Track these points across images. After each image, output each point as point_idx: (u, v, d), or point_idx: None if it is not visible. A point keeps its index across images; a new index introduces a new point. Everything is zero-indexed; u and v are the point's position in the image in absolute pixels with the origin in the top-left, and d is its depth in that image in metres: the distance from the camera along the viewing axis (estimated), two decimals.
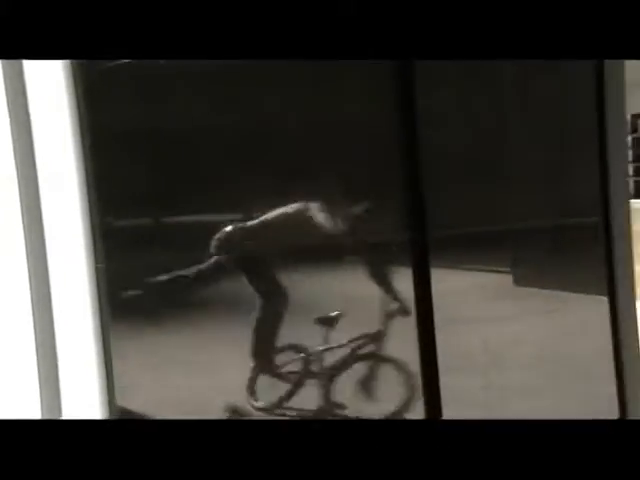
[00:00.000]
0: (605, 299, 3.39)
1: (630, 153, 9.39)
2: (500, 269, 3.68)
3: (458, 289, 3.52)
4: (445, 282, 3.37)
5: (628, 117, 9.10)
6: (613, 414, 3.33)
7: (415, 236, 3.08)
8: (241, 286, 3.17)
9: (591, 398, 3.36)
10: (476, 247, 3.50)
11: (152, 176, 2.86)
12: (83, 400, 2.63)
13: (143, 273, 2.88)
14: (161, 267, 2.90)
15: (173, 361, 2.92)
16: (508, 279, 3.69)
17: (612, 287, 3.35)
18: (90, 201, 2.59)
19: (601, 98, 3.19)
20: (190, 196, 2.94)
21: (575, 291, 3.61)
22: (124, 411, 2.71)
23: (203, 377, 2.97)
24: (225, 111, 2.98)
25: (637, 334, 3.39)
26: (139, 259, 2.85)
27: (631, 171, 9.44)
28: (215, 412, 2.96)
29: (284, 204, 3.17)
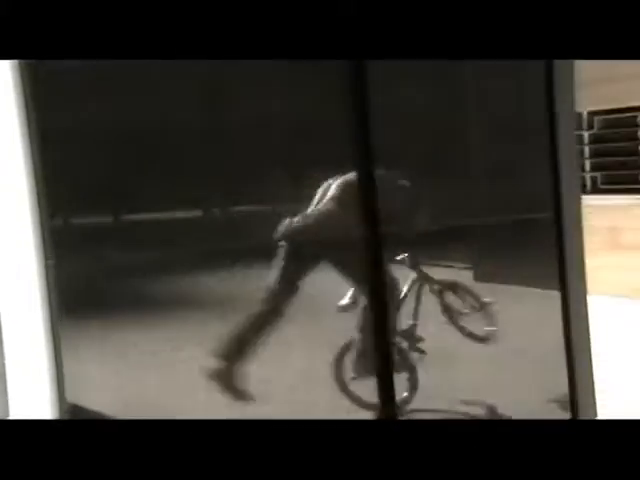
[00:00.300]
0: (558, 294, 3.43)
1: (587, 149, 9.50)
2: (461, 265, 3.70)
3: None
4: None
5: (585, 114, 9.21)
6: (565, 408, 3.37)
7: (371, 233, 3.09)
8: (193, 282, 3.16)
9: (543, 393, 3.40)
10: (436, 243, 3.53)
11: (103, 174, 2.84)
12: (32, 398, 2.61)
13: (94, 270, 2.86)
14: (113, 264, 2.89)
15: (125, 357, 2.91)
16: (469, 275, 3.72)
17: (564, 282, 3.39)
18: (39, 199, 2.57)
19: (551, 96, 3.23)
20: (142, 193, 2.93)
21: (532, 286, 3.65)
22: (75, 408, 2.69)
23: (156, 374, 2.96)
24: (179, 109, 2.97)
25: (588, 329, 3.43)
26: (90, 256, 2.84)
27: (588, 167, 9.55)
28: (168, 409, 2.95)
29: (239, 202, 3.17)
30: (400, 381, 3.29)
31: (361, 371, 3.36)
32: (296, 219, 3.28)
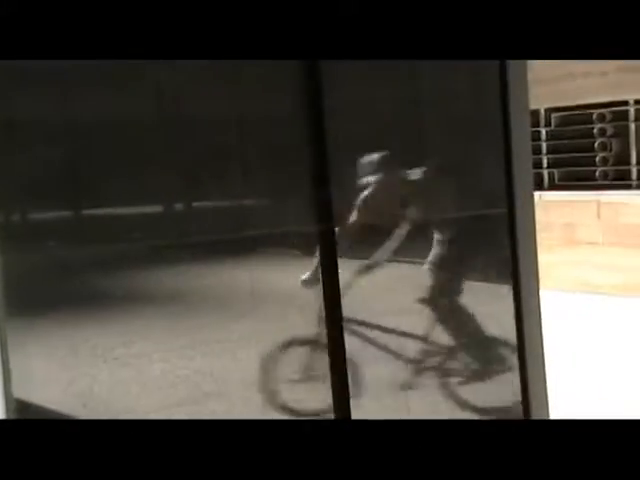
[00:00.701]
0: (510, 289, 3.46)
1: (545, 146, 9.60)
2: (415, 260, 3.72)
3: (371, 280, 3.56)
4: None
5: (542, 111, 9.31)
6: (516, 404, 3.41)
7: (323, 228, 3.11)
8: (146, 277, 3.15)
9: (494, 388, 3.43)
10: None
11: (59, 167, 2.82)
12: None
13: (45, 265, 2.84)
14: (64, 259, 2.87)
15: (76, 353, 2.88)
16: (424, 270, 3.74)
17: (516, 278, 3.42)
18: None
19: (505, 94, 3.26)
20: (96, 188, 2.91)
21: (486, 281, 3.68)
22: (23, 404, 2.67)
23: (107, 369, 2.94)
24: (138, 103, 2.95)
25: (540, 325, 3.46)
26: (41, 251, 2.81)
27: (546, 163, 9.65)
28: (119, 405, 2.93)
29: (193, 197, 3.16)
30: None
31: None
32: None
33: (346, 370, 3.17)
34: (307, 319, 3.27)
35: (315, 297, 3.19)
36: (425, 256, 3.62)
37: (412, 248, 3.54)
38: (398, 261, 3.51)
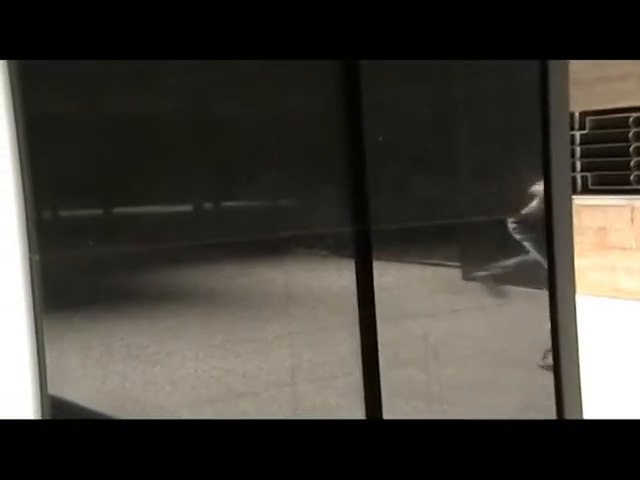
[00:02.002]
0: (546, 293, 3.43)
1: (578, 150, 9.51)
2: (450, 264, 3.70)
3: (404, 283, 3.54)
4: (391, 275, 3.40)
5: (577, 114, 9.22)
6: (550, 409, 3.38)
7: (359, 229, 3.10)
8: (180, 276, 3.15)
9: (529, 393, 3.40)
10: (424, 242, 3.53)
11: (92, 166, 2.82)
12: (15, 391, 2.60)
13: (80, 263, 2.84)
14: (99, 257, 2.87)
15: (110, 351, 2.88)
16: (458, 273, 3.72)
17: (553, 282, 3.39)
18: (25, 192, 2.54)
19: (545, 95, 3.23)
20: (131, 187, 2.91)
21: (521, 285, 3.65)
22: (58, 401, 2.67)
23: (141, 367, 2.94)
24: (170, 102, 2.95)
25: (576, 329, 3.43)
26: (77, 249, 2.81)
27: (579, 167, 9.57)
28: (152, 403, 2.93)
29: (228, 197, 3.15)
30: None
31: None
32: None
33: (378, 372, 3.15)
34: (341, 320, 3.27)
35: (350, 298, 3.18)
36: None
37: None
38: None
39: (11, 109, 2.48)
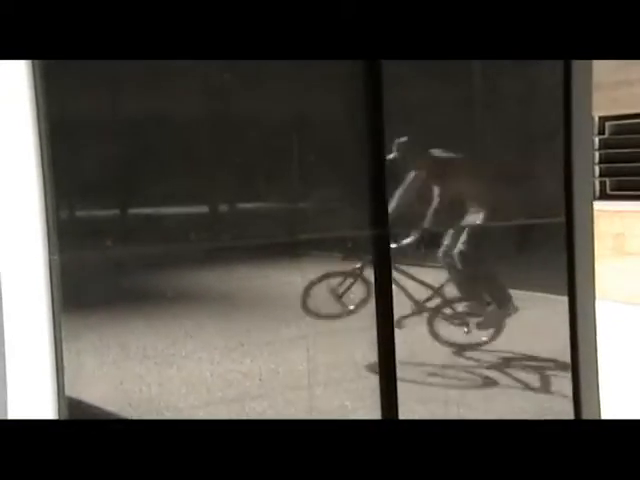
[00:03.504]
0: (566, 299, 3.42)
1: (597, 155, 9.46)
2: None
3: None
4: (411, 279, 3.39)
5: (596, 119, 9.17)
6: (568, 414, 3.36)
7: (378, 232, 3.10)
8: (197, 278, 3.14)
9: (548, 398, 3.39)
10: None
11: (110, 167, 2.82)
12: (33, 392, 2.60)
13: (98, 264, 2.84)
14: (117, 258, 2.87)
15: (127, 352, 2.88)
16: None
17: (572, 288, 3.37)
18: (46, 193, 2.54)
19: (568, 99, 3.21)
20: (150, 188, 2.91)
21: (540, 291, 3.64)
22: (75, 401, 2.67)
23: (157, 369, 2.94)
24: (188, 103, 2.95)
25: (595, 335, 3.41)
26: (94, 250, 2.82)
27: (598, 172, 9.51)
28: (168, 405, 2.93)
29: (246, 198, 3.15)
30: None
31: None
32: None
33: (395, 376, 3.14)
34: (358, 323, 3.26)
35: (366, 301, 3.18)
36: None
37: None
38: None
39: (34, 111, 2.48)
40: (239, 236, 3.09)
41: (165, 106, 2.91)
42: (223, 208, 3.19)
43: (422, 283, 3.40)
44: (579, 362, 3.39)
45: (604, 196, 9.48)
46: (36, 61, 2.47)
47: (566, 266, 3.41)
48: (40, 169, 2.51)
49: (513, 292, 3.63)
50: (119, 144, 2.84)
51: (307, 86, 3.07)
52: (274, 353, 3.18)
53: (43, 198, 2.52)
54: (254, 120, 3.04)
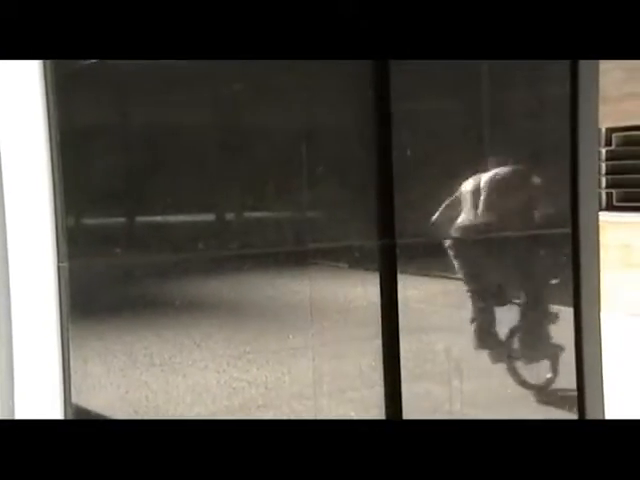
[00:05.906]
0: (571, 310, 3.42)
1: (604, 166, 9.46)
2: None
3: (427, 296, 3.53)
4: (415, 289, 3.39)
5: (603, 130, 9.17)
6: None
7: (385, 242, 3.10)
8: (204, 287, 3.15)
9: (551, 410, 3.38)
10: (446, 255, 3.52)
11: (118, 175, 2.84)
12: (39, 399, 2.60)
13: (106, 272, 2.85)
14: (124, 266, 2.88)
15: (134, 361, 2.89)
16: None
17: (578, 300, 3.37)
18: (55, 200, 2.56)
19: (574, 110, 3.21)
20: (159, 197, 2.92)
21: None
22: (81, 410, 2.68)
23: (164, 377, 2.94)
24: (201, 112, 2.97)
25: (601, 347, 3.41)
26: (102, 258, 2.83)
27: (604, 184, 9.51)
28: (175, 414, 2.93)
29: (255, 207, 3.16)
30: None
31: None
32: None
33: (400, 386, 3.15)
34: (364, 333, 3.26)
35: (373, 311, 3.18)
36: None
37: None
38: None
39: (45, 120, 2.50)
40: (247, 245, 3.10)
41: (175, 115, 2.92)
42: (231, 217, 3.21)
43: None
44: (584, 375, 3.38)
45: (610, 207, 9.47)
46: (48, 71, 2.48)
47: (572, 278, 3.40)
48: (50, 177, 2.53)
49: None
50: (129, 153, 2.85)
51: (316, 97, 3.09)
52: (280, 362, 3.18)
53: (52, 205, 2.54)
54: (263, 130, 3.05)
